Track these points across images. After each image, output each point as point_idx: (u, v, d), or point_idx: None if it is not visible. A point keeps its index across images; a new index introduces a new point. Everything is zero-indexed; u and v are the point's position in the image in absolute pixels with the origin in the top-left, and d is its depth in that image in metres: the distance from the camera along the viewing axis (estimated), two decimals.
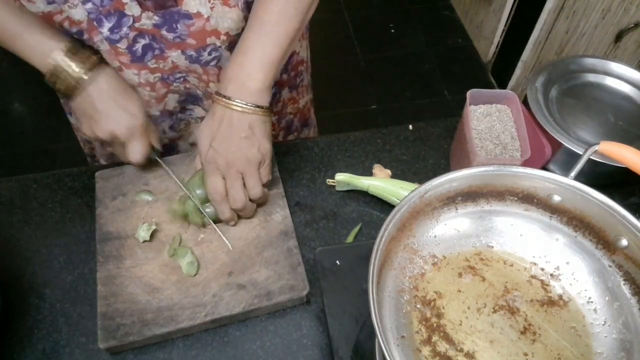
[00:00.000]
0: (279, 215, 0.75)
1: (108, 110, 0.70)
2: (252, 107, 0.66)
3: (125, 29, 0.69)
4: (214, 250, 0.71)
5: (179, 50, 0.73)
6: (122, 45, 0.70)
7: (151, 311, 0.65)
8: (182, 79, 0.79)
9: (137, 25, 0.69)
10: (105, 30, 0.68)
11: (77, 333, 0.68)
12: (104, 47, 0.71)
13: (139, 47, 0.71)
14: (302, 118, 1.04)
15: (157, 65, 0.75)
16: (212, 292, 0.67)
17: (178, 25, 0.70)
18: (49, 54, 0.66)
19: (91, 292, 0.70)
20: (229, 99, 0.65)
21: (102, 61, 0.71)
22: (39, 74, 0.69)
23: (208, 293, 0.67)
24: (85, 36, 0.70)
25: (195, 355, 0.66)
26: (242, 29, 0.73)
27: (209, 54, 0.75)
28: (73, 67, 0.67)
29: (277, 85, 0.95)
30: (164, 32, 0.70)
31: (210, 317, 0.65)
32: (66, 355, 0.66)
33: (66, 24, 0.69)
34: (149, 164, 0.78)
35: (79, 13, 0.67)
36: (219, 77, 0.79)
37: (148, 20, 0.69)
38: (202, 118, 0.88)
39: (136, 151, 0.73)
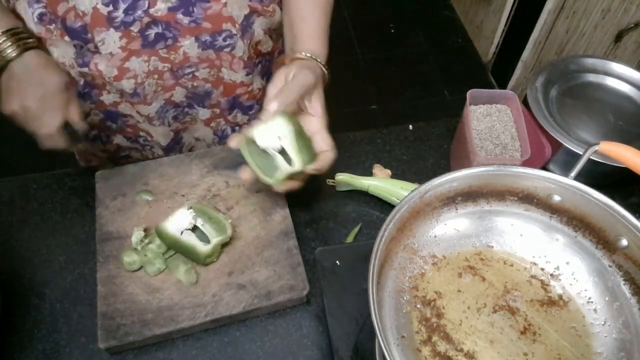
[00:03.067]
0: (279, 215, 0.75)
1: (22, 83, 0.67)
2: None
3: (139, 12, 0.69)
4: None
5: (193, 38, 0.73)
6: (135, 29, 0.70)
7: (151, 311, 0.65)
8: (191, 75, 0.79)
9: (151, 10, 0.69)
10: (120, 12, 0.68)
11: (77, 333, 0.68)
12: (108, 43, 0.70)
13: (151, 33, 0.71)
14: None
15: (167, 56, 0.75)
16: (212, 292, 0.67)
17: (194, 9, 0.70)
18: None
19: (91, 292, 0.70)
20: (324, 65, 0.75)
21: (36, 46, 0.69)
22: None
23: (208, 293, 0.67)
24: (88, 35, 0.70)
25: (195, 355, 0.66)
26: (244, 17, 0.76)
27: (224, 40, 0.76)
28: (7, 49, 0.66)
29: None
30: (179, 15, 0.70)
31: (210, 317, 0.65)
32: (66, 355, 0.66)
33: (70, 17, 0.68)
34: (74, 141, 0.71)
35: (85, 3, 0.66)
36: (232, 65, 0.80)
37: (164, 3, 0.69)
38: (205, 120, 0.88)
39: (46, 123, 0.67)
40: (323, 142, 0.69)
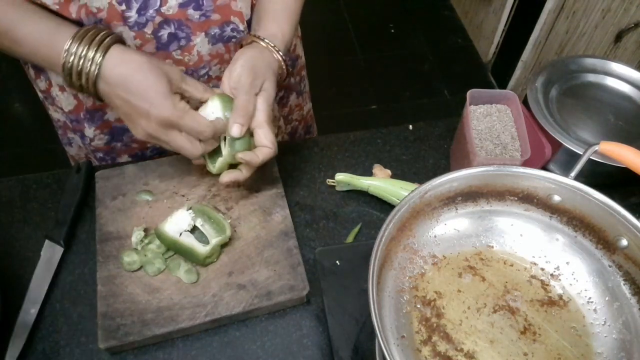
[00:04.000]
0: (279, 215, 0.75)
1: (130, 103, 0.61)
2: (282, 58, 0.72)
3: (151, 12, 0.66)
4: None
5: (203, 34, 0.72)
6: (148, 30, 0.68)
7: (151, 311, 0.65)
8: (206, 77, 0.78)
9: (163, 9, 0.67)
10: (133, 12, 0.65)
11: (77, 333, 0.68)
12: (125, 39, 0.68)
13: (164, 33, 0.69)
14: (305, 125, 1.05)
15: (181, 58, 0.73)
16: (212, 292, 0.67)
17: (204, 1, 0.69)
18: (59, 44, 0.61)
19: (91, 292, 0.70)
20: (274, 47, 0.71)
21: (115, 40, 0.64)
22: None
23: (208, 293, 0.67)
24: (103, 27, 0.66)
25: (195, 355, 0.66)
26: (250, 15, 0.76)
27: (232, 30, 0.74)
28: (88, 52, 0.61)
29: (286, 90, 0.95)
30: (190, 11, 0.69)
31: (210, 317, 0.65)
32: (66, 355, 0.66)
33: (82, 14, 0.64)
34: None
35: (99, 0, 0.63)
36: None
37: (174, 0, 0.67)
38: None
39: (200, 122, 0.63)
40: (265, 138, 0.67)
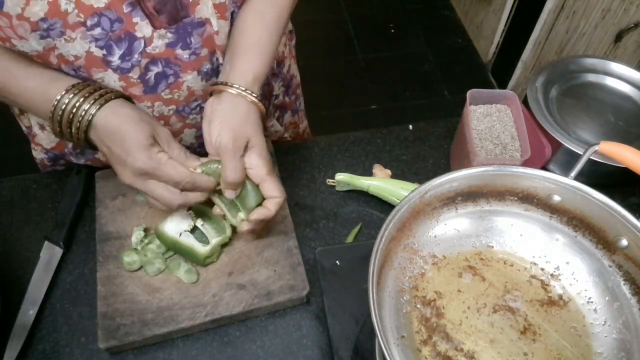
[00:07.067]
0: (279, 215, 0.75)
1: (121, 147, 0.61)
2: (257, 99, 0.67)
3: (136, 56, 0.63)
4: None
5: (195, 72, 0.69)
6: (134, 75, 0.65)
7: (151, 311, 0.65)
8: (198, 109, 0.75)
9: (148, 49, 0.63)
10: (115, 58, 0.62)
11: (77, 333, 0.68)
12: (108, 82, 0.65)
13: (151, 75, 0.66)
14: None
15: (171, 96, 0.70)
16: (212, 292, 0.67)
17: (192, 39, 0.65)
18: (52, 95, 0.61)
19: (91, 292, 0.70)
20: (245, 90, 0.66)
21: (117, 95, 0.64)
22: None
23: (208, 293, 0.67)
24: (84, 74, 0.63)
25: (195, 355, 0.66)
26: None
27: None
28: (83, 104, 0.61)
29: (281, 108, 0.94)
30: (178, 50, 0.65)
31: (210, 317, 0.65)
32: (66, 355, 0.66)
33: (62, 63, 0.62)
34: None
35: (75, 48, 0.60)
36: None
37: (160, 40, 0.63)
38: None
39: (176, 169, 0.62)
40: (272, 191, 0.66)
